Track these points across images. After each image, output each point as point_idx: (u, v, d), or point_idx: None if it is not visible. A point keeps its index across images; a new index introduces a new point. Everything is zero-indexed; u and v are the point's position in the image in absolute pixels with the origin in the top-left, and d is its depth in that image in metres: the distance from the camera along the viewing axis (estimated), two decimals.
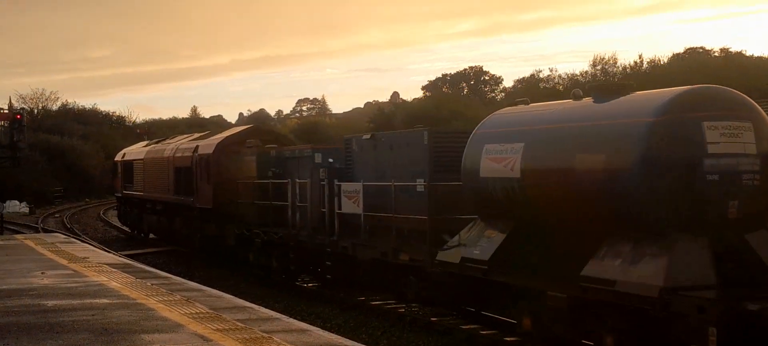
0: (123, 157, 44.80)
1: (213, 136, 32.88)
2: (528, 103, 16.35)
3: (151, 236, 40.01)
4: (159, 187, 36.13)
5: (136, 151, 43.26)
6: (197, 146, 31.35)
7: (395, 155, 19.75)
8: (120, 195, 45.03)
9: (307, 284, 24.38)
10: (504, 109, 17.16)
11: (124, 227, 44.93)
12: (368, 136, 21.02)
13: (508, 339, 15.76)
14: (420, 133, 19.05)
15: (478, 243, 15.59)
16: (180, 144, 34.83)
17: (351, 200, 20.51)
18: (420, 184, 18.37)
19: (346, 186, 20.94)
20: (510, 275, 14.88)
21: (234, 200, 27.67)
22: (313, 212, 22.40)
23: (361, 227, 20.27)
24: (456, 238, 16.32)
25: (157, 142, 41.34)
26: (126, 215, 44.47)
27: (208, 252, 30.89)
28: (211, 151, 29.64)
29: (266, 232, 24.78)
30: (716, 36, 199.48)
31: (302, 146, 27.23)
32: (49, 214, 57.79)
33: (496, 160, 15.25)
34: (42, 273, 17.90)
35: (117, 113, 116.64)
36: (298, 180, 23.16)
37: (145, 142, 45.89)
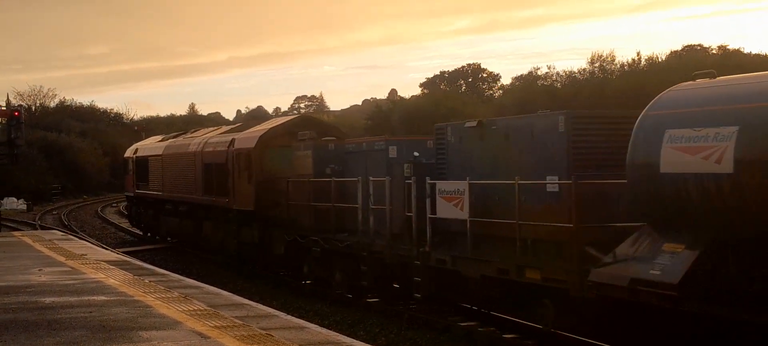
0: (135, 153, 40.05)
1: (250, 128, 28.27)
2: (714, 76, 12.49)
3: (169, 239, 35.95)
4: (183, 186, 31.70)
5: (151, 146, 38.69)
6: (233, 140, 27.01)
7: (512, 146, 15.48)
8: (131, 194, 40.54)
9: (306, 281, 23.10)
10: (685, 83, 12.98)
11: (135, 230, 40.92)
12: (473, 123, 16.83)
13: (506, 336, 15.44)
14: (552, 118, 14.73)
15: (655, 260, 11.78)
16: (209, 138, 30.16)
17: (451, 202, 16.35)
18: (552, 182, 14.34)
19: (443, 185, 16.73)
20: (720, 307, 11.08)
21: (282, 202, 23.73)
22: (394, 216, 18.55)
23: (466, 236, 16.03)
24: (612, 253, 12.59)
25: (176, 137, 36.60)
26: (139, 216, 40.04)
27: (247, 261, 26.66)
28: (252, 145, 25.32)
29: (327, 239, 20.94)
30: (714, 33, 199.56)
31: (372, 138, 22.54)
32: (47, 211, 57.34)
33: (689, 150, 11.49)
34: (40, 270, 17.68)
35: (115, 110, 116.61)
36: (371, 178, 19.16)
37: (160, 137, 41.19)
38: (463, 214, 16.10)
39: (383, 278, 19.78)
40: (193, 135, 33.95)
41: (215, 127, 34.80)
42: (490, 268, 15.44)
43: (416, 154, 18.64)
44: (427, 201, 17.15)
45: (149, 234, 38.43)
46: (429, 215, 17.13)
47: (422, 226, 17.42)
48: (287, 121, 27.01)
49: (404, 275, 18.67)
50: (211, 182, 28.56)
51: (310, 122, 26.56)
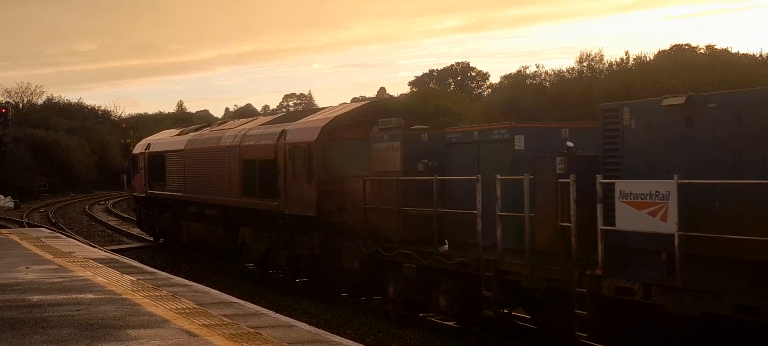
0: (147, 148, 34.77)
1: (304, 117, 23.28)
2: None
3: (183, 241, 31.20)
4: (212, 186, 26.77)
5: (168, 140, 33.18)
6: (284, 132, 22.03)
7: (748, 132, 11.03)
8: (142, 195, 34.99)
9: (295, 279, 22.53)
10: None
11: (145, 236, 36.42)
12: (676, 99, 12.28)
13: (493, 336, 15.07)
14: None
15: None
16: (249, 129, 25.04)
17: (644, 209, 11.76)
18: None
19: (629, 186, 12.10)
20: None
21: (352, 206, 19.43)
22: (541, 227, 13.84)
23: (665, 256, 11.63)
24: None
25: (200, 130, 31.62)
26: (151, 219, 34.62)
27: (303, 277, 22.03)
28: (313, 137, 20.52)
29: (425, 254, 16.17)
30: (702, 33, 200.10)
31: (488, 126, 17.30)
32: (34, 208, 56.78)
33: None
34: (27, 268, 17.28)
35: (102, 108, 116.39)
36: (499, 176, 14.31)
37: (176, 130, 35.67)
38: (668, 226, 11.37)
39: (520, 306, 15.90)
40: (223, 127, 28.90)
41: (251, 118, 29.62)
42: (722, 304, 10.68)
43: (570, 144, 14.33)
44: (599, 207, 12.40)
45: (162, 240, 33.79)
46: (601, 226, 12.34)
47: (590, 241, 12.69)
48: (354, 109, 21.55)
49: (546, 304, 14.28)
50: (253, 181, 23.57)
51: (383, 109, 21.12)
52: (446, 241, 16.38)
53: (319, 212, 20.17)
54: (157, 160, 33.18)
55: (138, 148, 37.06)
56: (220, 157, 26.31)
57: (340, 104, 24.61)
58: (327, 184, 20.15)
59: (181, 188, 30.01)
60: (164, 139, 34.03)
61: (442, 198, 16.43)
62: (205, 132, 29.72)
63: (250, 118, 29.43)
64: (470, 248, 15.24)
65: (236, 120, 31.46)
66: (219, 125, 30.63)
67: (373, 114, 20.37)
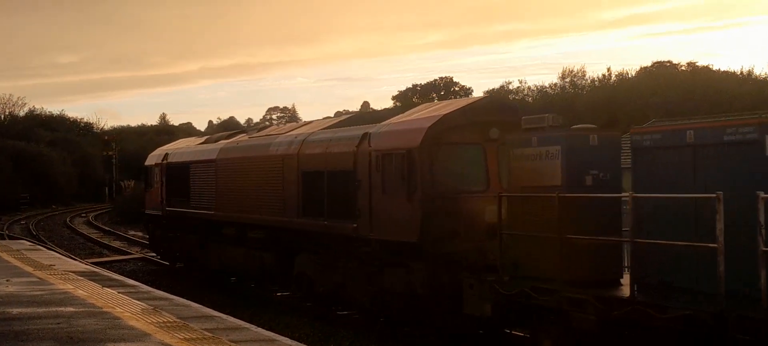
0: (164, 159, 29.47)
1: (392, 116, 18.41)
2: None
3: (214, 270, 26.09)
4: (256, 203, 21.88)
5: (193, 149, 28.03)
6: (367, 136, 17.30)
7: None
8: (157, 213, 29.77)
9: (276, 293, 22.57)
10: None
11: (159, 259, 31.42)
12: None
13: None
14: None
15: None
16: (310, 134, 20.25)
17: None
18: None
19: None
20: None
21: (469, 230, 15.17)
22: None
23: None
24: None
25: (233, 136, 26.57)
26: (169, 241, 29.30)
27: (397, 319, 17.01)
28: (415, 142, 15.76)
29: (610, 301, 11.98)
30: (684, 50, 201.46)
31: (716, 122, 12.50)
32: (15, 220, 56.49)
33: None
34: (7, 281, 16.99)
35: (85, 120, 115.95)
36: (763, 195, 10.08)
37: (200, 139, 30.34)
38: None
39: None
40: (269, 133, 23.83)
41: (304, 122, 25.61)
42: None
43: None
44: None
45: (179, 265, 29.26)
46: None
47: None
48: (467, 105, 16.72)
49: None
50: (318, 197, 18.87)
51: (505, 106, 17.57)
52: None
53: (423, 238, 15.41)
54: (177, 173, 27.81)
55: (152, 159, 31.32)
56: (269, 169, 21.29)
57: (446, 102, 18.72)
58: (435, 202, 15.50)
59: (211, 204, 24.81)
60: (187, 149, 28.54)
61: (639, 223, 11.96)
62: (243, 139, 24.59)
63: (303, 122, 24.88)
64: (687, 295, 11.35)
65: (284, 124, 26.44)
66: (259, 131, 25.25)
67: (493, 111, 16.42)
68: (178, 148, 29.85)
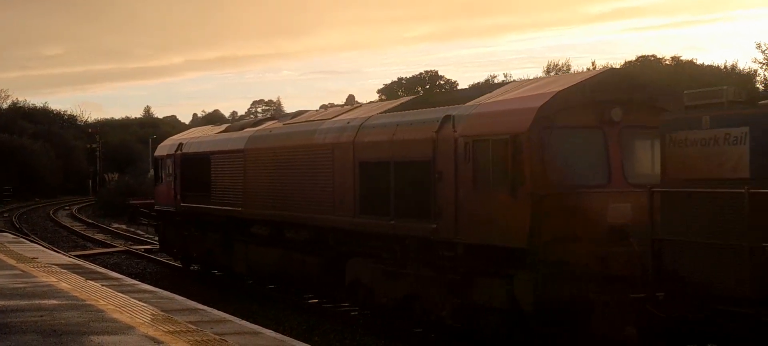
0: (179, 149, 26.35)
1: (482, 93, 15.20)
2: None
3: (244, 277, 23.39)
4: (297, 199, 18.97)
5: (214, 138, 24.68)
6: (449, 117, 14.29)
7: None
8: (170, 209, 26.79)
9: (261, 285, 22.14)
10: None
11: (171, 261, 28.36)
12: None
13: (461, 344, 14.42)
14: None
15: None
16: (368, 118, 17.09)
17: None
18: None
19: None
20: None
21: (590, 234, 12.62)
22: None
23: None
24: None
25: (259, 124, 23.24)
26: (184, 241, 26.20)
27: (492, 341, 13.95)
28: (523, 125, 12.84)
29: None
30: (668, 45, 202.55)
31: None
32: None
33: None
34: None
35: (68, 112, 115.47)
36: None
37: (220, 127, 26.95)
38: None
39: None
40: (310, 119, 20.24)
41: (352, 106, 21.71)
42: None
43: None
44: None
45: (195, 267, 26.75)
46: None
47: None
48: (585, 80, 13.60)
49: None
50: (382, 192, 15.82)
51: (629, 81, 14.12)
52: None
53: (533, 242, 12.55)
54: (195, 165, 24.75)
55: (163, 149, 28.29)
56: (314, 159, 18.39)
57: (554, 77, 14.87)
58: (547, 199, 12.66)
59: (238, 200, 21.88)
60: (206, 138, 25.34)
61: None
62: (276, 126, 21.38)
63: (349, 106, 21.58)
64: None
65: (324, 109, 22.28)
66: (293, 118, 21.63)
67: (616, 88, 13.61)
68: (194, 138, 26.38)
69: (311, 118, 20.15)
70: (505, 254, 13.11)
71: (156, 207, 29.10)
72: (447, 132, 14.25)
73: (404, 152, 15.30)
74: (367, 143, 16.49)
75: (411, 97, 19.36)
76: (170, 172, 26.97)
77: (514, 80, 16.34)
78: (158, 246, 29.69)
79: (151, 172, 70.63)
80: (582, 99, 13.26)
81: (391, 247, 15.80)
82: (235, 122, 27.57)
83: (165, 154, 27.81)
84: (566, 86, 13.37)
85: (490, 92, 15.02)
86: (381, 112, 17.08)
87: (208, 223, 24.27)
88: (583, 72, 15.28)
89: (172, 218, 27.10)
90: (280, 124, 21.42)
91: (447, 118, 14.43)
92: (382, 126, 16.37)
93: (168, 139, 29.63)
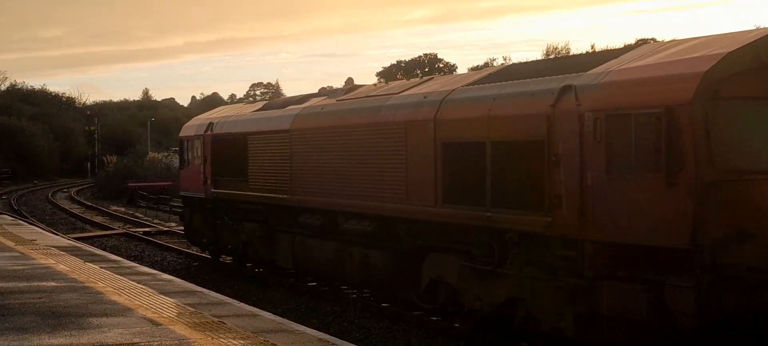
0: (209, 129, 23.47)
1: (603, 59, 12.21)
2: None
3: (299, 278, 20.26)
4: (356, 185, 16.41)
5: (250, 117, 21.91)
6: (569, 88, 11.59)
7: None
8: (200, 195, 23.86)
9: (258, 269, 21.86)
10: None
11: (197, 251, 25.71)
12: None
13: (456, 325, 14.42)
14: None
15: None
16: (453, 92, 14.32)
17: None
18: None
19: None
20: None
21: None
22: None
23: None
24: None
25: (304, 100, 20.32)
26: (216, 230, 23.37)
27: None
28: (683, 96, 10.17)
29: None
30: (668, 27, 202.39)
31: None
32: None
33: None
34: None
35: (66, 95, 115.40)
36: None
37: (257, 104, 24.56)
38: None
39: None
40: (372, 94, 17.56)
41: (422, 79, 17.87)
42: None
43: None
44: None
45: (221, 258, 24.12)
46: None
47: None
48: (760, 39, 10.56)
49: None
50: (475, 178, 13.24)
51: None
52: None
53: (698, 241, 10.10)
54: (229, 147, 22.20)
55: (189, 130, 25.48)
56: (380, 140, 15.81)
57: (713, 36, 11.58)
58: (714, 187, 10.20)
59: (282, 186, 19.33)
60: (241, 117, 22.58)
61: None
62: (329, 103, 18.58)
63: (420, 79, 17.99)
64: None
65: (385, 84, 20.00)
66: (347, 94, 18.99)
67: None
68: (226, 117, 23.55)
69: (372, 93, 17.59)
70: (650, 256, 10.67)
71: (181, 193, 26.49)
72: (567, 105, 11.59)
73: (505, 131, 12.72)
74: (454, 121, 13.81)
75: (498, 66, 16.02)
76: (199, 154, 24.37)
77: (646, 42, 14.30)
78: (184, 235, 27.21)
79: (150, 154, 70.54)
80: (754, 63, 10.41)
81: (486, 242, 13.27)
82: (273, 100, 24.92)
83: (192, 134, 24.94)
84: (734, 47, 10.51)
85: (617, 57, 12.20)
86: (466, 85, 14.37)
87: (245, 211, 21.72)
88: (746, 31, 11.82)
89: (201, 205, 24.33)
90: (332, 101, 18.76)
91: (567, 89, 11.68)
92: (473, 100, 13.59)
93: (194, 118, 27.02)
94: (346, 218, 16.95)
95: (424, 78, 17.56)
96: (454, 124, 13.78)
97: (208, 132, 23.69)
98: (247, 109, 23.38)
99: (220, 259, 24.11)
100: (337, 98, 18.75)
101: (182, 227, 27.79)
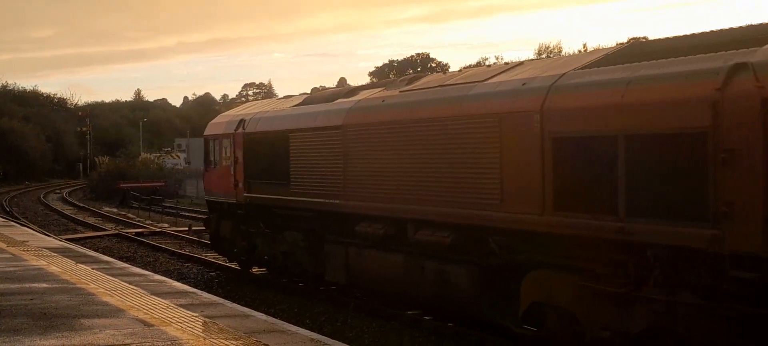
0: (240, 127, 21.00)
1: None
2: None
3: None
4: (431, 189, 13.93)
5: (290, 113, 19.31)
6: (746, 66, 9.25)
7: None
8: (231, 200, 21.30)
9: (252, 269, 21.52)
10: None
11: (226, 262, 23.16)
12: None
13: (449, 325, 14.49)
14: None
15: None
16: (565, 76, 11.75)
17: None
18: None
19: None
20: None
21: None
22: None
23: None
24: None
25: (352, 92, 18.06)
26: (250, 239, 20.93)
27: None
28: None
29: None
30: (661, 26, 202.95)
31: None
32: None
33: None
34: None
35: (58, 95, 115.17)
36: None
37: (297, 98, 21.21)
38: None
39: None
40: (450, 82, 14.68)
41: (510, 63, 14.81)
42: None
43: None
44: None
45: (259, 270, 21.67)
46: None
47: None
48: None
49: None
50: (601, 180, 10.75)
51: None
52: None
53: None
54: (266, 146, 19.81)
55: (216, 128, 22.85)
56: (463, 135, 13.29)
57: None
58: None
59: (335, 189, 16.87)
60: (281, 112, 19.99)
61: None
62: (391, 95, 15.95)
63: (506, 64, 14.98)
64: None
65: (465, 70, 17.37)
66: (410, 83, 16.37)
67: None
68: (260, 113, 21.02)
69: (446, 82, 14.85)
70: None
71: (206, 197, 24.01)
72: (742, 88, 9.33)
73: (646, 121, 10.28)
74: (569, 111, 11.34)
75: (616, 47, 13.14)
76: (228, 155, 21.82)
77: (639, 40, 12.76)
78: (210, 244, 24.35)
79: (142, 155, 70.36)
80: None
81: (617, 259, 10.89)
82: (315, 93, 21.86)
83: (221, 133, 22.32)
84: None
85: None
86: (580, 68, 11.81)
87: (285, 218, 19.34)
88: None
89: (231, 210, 21.76)
90: (394, 92, 16.17)
91: (740, 67, 9.39)
92: (596, 85, 11.12)
93: (220, 115, 24.39)
94: (417, 227, 14.56)
95: (510, 63, 14.90)
96: (570, 115, 11.29)
97: (240, 130, 21.16)
98: (285, 104, 20.78)
99: (252, 270, 21.82)
100: (400, 89, 16.09)
101: (175, 229, 27.25)
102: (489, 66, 17.06)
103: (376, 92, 17.02)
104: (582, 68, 11.76)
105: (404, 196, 14.62)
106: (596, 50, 12.63)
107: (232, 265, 22.70)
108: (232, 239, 21.89)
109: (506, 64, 14.99)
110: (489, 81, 13.46)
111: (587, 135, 10.95)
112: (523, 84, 12.46)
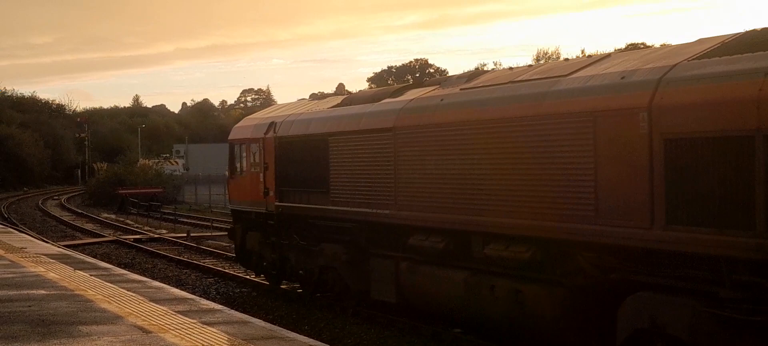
0: (271, 130, 19.16)
1: None
2: None
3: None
4: (499, 198, 12.27)
5: (329, 115, 17.38)
6: None
7: None
8: (260, 209, 19.60)
9: (250, 275, 21.61)
10: None
11: (253, 276, 21.60)
12: None
13: (449, 332, 14.35)
14: None
15: None
16: (678, 67, 9.88)
17: None
18: None
19: None
20: None
21: None
22: None
23: None
24: None
25: (398, 91, 16.14)
26: (282, 251, 19.12)
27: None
28: None
29: None
30: (659, 32, 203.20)
31: None
32: None
33: None
34: None
35: (56, 102, 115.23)
36: None
37: (335, 98, 19.46)
38: None
39: None
40: (523, 77, 12.78)
41: (599, 55, 12.88)
42: None
43: None
44: None
45: (290, 286, 20.09)
46: None
47: None
48: None
49: None
50: (732, 189, 9.03)
51: None
52: None
53: None
54: (302, 151, 17.97)
55: (243, 132, 21.09)
56: (544, 137, 11.55)
57: None
58: None
59: (384, 198, 15.08)
60: (318, 114, 18.01)
61: None
62: (451, 93, 14.00)
63: (589, 58, 12.89)
64: None
65: (534, 66, 14.68)
66: (470, 80, 14.35)
67: None
68: (294, 115, 19.03)
69: (519, 78, 12.90)
70: None
71: (231, 206, 22.47)
72: None
73: None
74: (687, 107, 9.62)
75: (733, 34, 10.81)
76: (257, 160, 19.99)
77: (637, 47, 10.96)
78: (235, 257, 22.55)
79: (140, 161, 70.30)
80: None
81: (751, 281, 9.17)
82: (357, 93, 19.96)
83: (248, 137, 20.51)
84: None
85: None
86: (693, 58, 10.13)
87: (324, 229, 17.56)
88: None
89: (260, 221, 20.02)
90: (454, 90, 14.24)
91: None
92: (722, 77, 9.41)
93: (247, 118, 22.58)
94: (485, 241, 12.81)
95: (595, 56, 13.04)
96: (689, 113, 9.57)
97: (270, 133, 19.34)
98: (321, 106, 18.92)
99: (280, 284, 20.27)
100: (461, 87, 14.11)
101: (174, 235, 27.02)
102: (567, 60, 14.83)
103: (429, 91, 15.14)
104: (695, 58, 10.06)
105: (469, 205, 12.85)
106: (705, 39, 10.94)
107: (259, 279, 21.23)
108: (261, 251, 20.18)
109: (589, 56, 13.27)
110: (575, 75, 11.64)
111: (712, 135, 9.23)
112: (622, 77, 10.67)
